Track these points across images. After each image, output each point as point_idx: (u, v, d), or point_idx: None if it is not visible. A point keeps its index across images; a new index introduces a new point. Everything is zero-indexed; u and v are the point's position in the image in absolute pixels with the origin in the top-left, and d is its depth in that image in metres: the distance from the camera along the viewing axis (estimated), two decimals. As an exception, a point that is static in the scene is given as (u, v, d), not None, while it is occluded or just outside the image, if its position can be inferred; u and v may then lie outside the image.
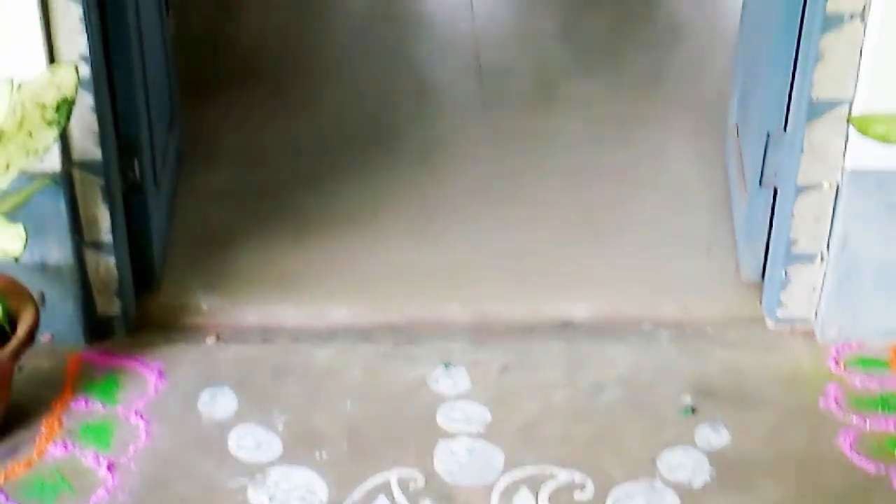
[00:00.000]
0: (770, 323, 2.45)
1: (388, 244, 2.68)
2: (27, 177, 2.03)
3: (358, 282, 2.58)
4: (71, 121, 2.04)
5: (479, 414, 2.20)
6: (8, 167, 1.94)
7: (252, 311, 2.48)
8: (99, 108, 2.18)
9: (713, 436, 2.15)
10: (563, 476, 2.06)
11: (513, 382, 2.29)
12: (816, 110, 2.21)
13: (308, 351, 2.37)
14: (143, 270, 2.47)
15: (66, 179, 2.20)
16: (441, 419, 2.19)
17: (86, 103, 2.14)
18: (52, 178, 2.15)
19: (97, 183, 2.24)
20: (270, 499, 2.01)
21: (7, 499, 1.99)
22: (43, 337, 2.24)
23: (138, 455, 2.10)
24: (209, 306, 2.48)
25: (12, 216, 1.95)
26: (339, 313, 2.49)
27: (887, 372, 2.31)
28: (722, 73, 3.06)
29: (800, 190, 2.30)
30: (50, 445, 2.11)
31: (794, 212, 2.32)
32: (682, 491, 2.03)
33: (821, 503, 2.03)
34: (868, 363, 2.34)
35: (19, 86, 1.96)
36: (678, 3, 3.63)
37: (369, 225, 2.73)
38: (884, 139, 2.12)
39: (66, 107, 1.99)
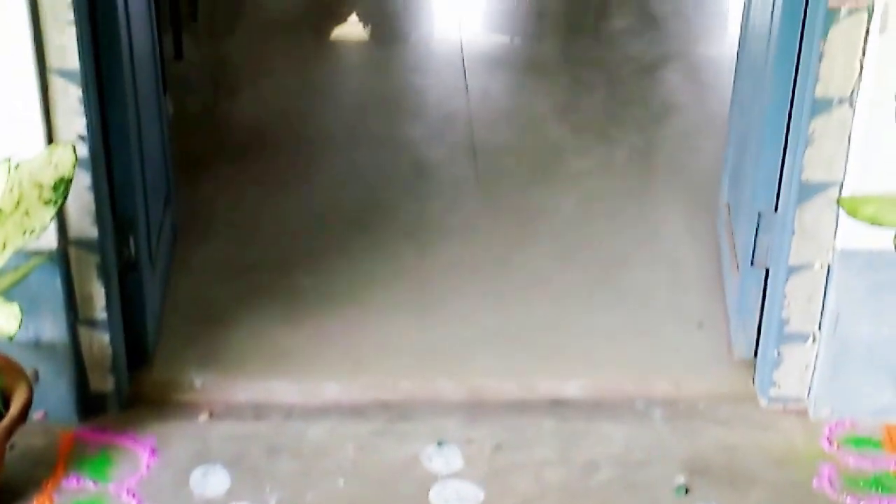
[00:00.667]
0: (763, 401, 2.44)
1: (381, 321, 2.68)
2: (23, 254, 2.03)
3: (351, 358, 2.57)
4: (68, 199, 2.05)
5: (473, 493, 2.19)
6: (4, 246, 1.94)
7: (245, 388, 2.46)
8: (96, 187, 2.19)
9: (707, 516, 2.14)
10: (557, 557, 2.05)
11: (506, 461, 2.27)
12: (807, 192, 2.23)
13: (301, 428, 2.36)
14: (136, 346, 2.46)
15: (62, 257, 2.20)
16: (434, 498, 2.18)
17: (83, 182, 2.14)
18: (49, 255, 2.15)
19: (93, 260, 2.24)
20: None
21: (-3, 579, 1.97)
22: (36, 414, 2.22)
23: (130, 534, 2.08)
24: (202, 383, 2.46)
25: (8, 294, 1.95)
26: (332, 390, 2.48)
27: (880, 452, 2.30)
28: (713, 153, 3.08)
29: (791, 270, 2.30)
30: (41, 525, 2.09)
31: (785, 291, 2.32)
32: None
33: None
34: (861, 442, 2.33)
35: (17, 165, 1.97)
36: (670, 83, 3.66)
37: (363, 301, 2.73)
38: (873, 220, 2.13)
39: (63, 186, 1.99)
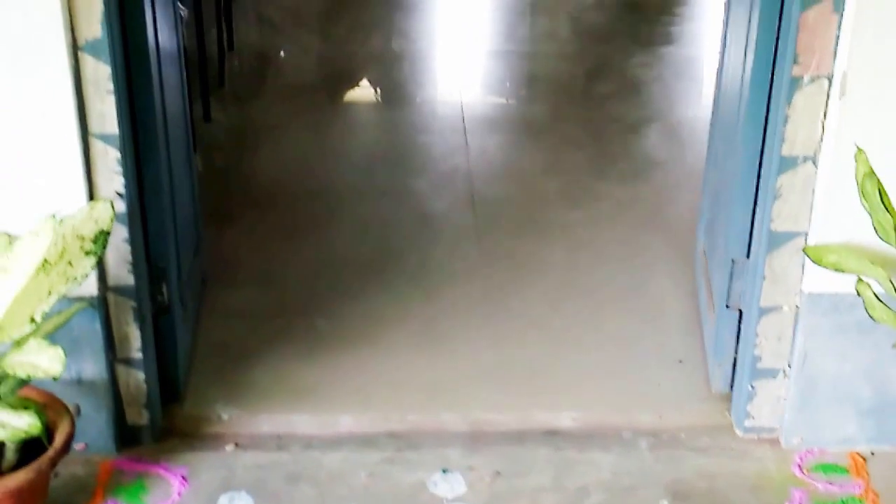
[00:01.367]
0: (739, 432, 2.44)
1: (390, 358, 2.68)
2: (66, 301, 2.03)
3: (363, 393, 2.57)
4: (106, 250, 2.06)
5: (475, 516, 2.19)
6: (49, 293, 1.94)
7: (267, 421, 2.46)
8: (132, 239, 2.20)
9: (688, 537, 2.14)
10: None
11: (505, 487, 2.27)
12: (776, 241, 2.24)
13: (318, 457, 2.35)
14: (168, 383, 2.46)
15: (102, 303, 2.21)
16: (439, 521, 2.18)
17: (120, 235, 2.16)
18: (89, 301, 2.16)
19: (129, 305, 2.25)
20: None
21: None
22: (77, 445, 2.22)
23: (162, 556, 2.08)
24: (228, 416, 2.46)
25: (52, 337, 1.96)
26: (346, 422, 2.47)
27: (847, 477, 2.30)
28: (690, 204, 3.09)
29: (763, 312, 2.31)
30: (81, 547, 2.10)
31: (758, 331, 2.33)
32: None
33: None
34: (829, 469, 2.32)
35: (61, 220, 1.98)
36: (651, 142, 3.69)
37: (374, 341, 2.73)
38: (836, 267, 2.14)
39: (102, 238, 2.00)
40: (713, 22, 2.86)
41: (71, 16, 1.99)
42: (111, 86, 2.05)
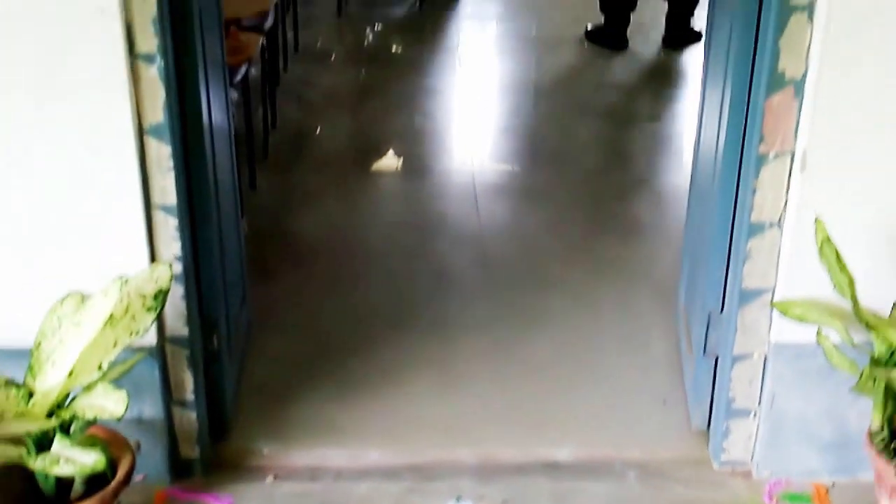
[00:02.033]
0: (715, 465, 2.43)
1: (410, 399, 2.69)
2: (130, 350, 2.05)
3: (387, 430, 2.57)
4: (165, 306, 2.07)
5: (484, 540, 2.18)
6: (115, 344, 1.96)
7: (303, 455, 2.46)
8: (187, 296, 2.22)
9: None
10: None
11: (511, 514, 2.27)
12: (746, 297, 2.24)
13: (348, 487, 2.36)
14: (217, 421, 2.47)
15: (160, 352, 2.22)
16: (453, 544, 2.17)
17: (177, 293, 2.18)
18: (149, 351, 2.18)
19: (184, 354, 2.27)
20: None
21: None
22: (137, 477, 2.22)
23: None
24: (269, 451, 2.47)
25: (117, 382, 1.97)
26: (372, 456, 2.48)
27: (811, 505, 2.29)
28: (673, 263, 3.09)
29: (736, 359, 2.31)
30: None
31: (731, 376, 2.33)
32: None
33: None
34: (795, 498, 2.32)
35: (127, 280, 2.00)
36: (638, 206, 3.69)
37: (396, 384, 2.74)
38: (800, 319, 2.15)
39: (161, 297, 2.02)
40: (692, 102, 2.88)
41: (137, 103, 2.03)
42: (171, 163, 2.09)
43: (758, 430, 2.36)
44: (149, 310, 2.01)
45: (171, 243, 2.15)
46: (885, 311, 2.12)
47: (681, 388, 2.69)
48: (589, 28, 5.38)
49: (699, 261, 2.57)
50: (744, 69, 2.15)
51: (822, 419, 2.30)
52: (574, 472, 2.43)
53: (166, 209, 2.12)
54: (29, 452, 1.93)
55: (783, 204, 2.15)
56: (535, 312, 3.06)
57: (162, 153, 2.07)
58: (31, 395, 1.96)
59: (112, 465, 2.02)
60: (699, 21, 5.10)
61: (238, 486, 2.36)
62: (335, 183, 3.87)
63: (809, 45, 2.00)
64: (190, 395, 2.31)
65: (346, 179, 3.91)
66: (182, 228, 2.15)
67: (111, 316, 1.96)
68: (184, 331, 2.25)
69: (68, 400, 1.96)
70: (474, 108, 4.72)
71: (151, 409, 2.25)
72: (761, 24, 2.07)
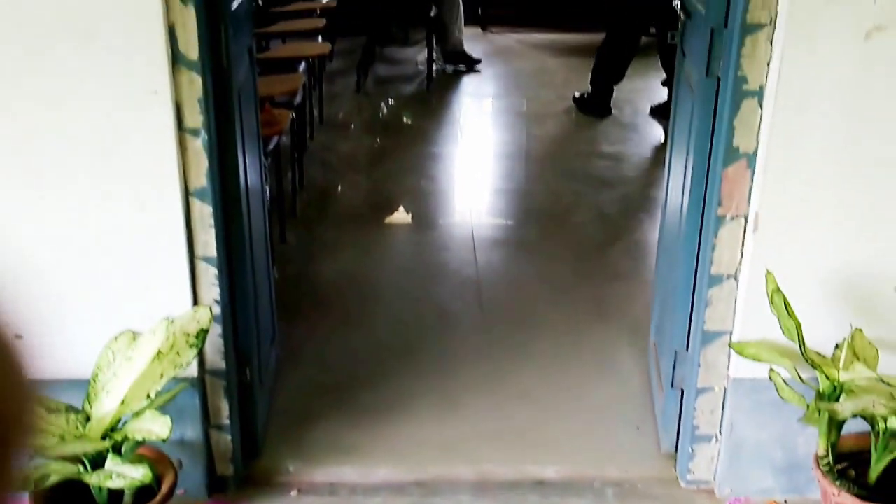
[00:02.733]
0: (682, 483, 2.42)
1: (415, 423, 2.68)
2: (174, 381, 2.06)
3: (396, 450, 2.56)
4: (205, 343, 2.09)
5: (480, 549, 2.16)
6: (162, 376, 1.97)
7: (323, 472, 2.45)
8: (224, 334, 2.23)
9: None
10: None
11: (503, 526, 2.25)
12: (708, 338, 2.25)
13: (362, 501, 2.35)
14: (249, 443, 2.46)
15: (200, 383, 2.23)
16: (453, 553, 2.15)
17: (216, 331, 2.19)
18: (191, 382, 2.18)
19: (221, 384, 2.27)
20: None
21: None
22: (178, 491, 2.21)
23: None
24: (294, 468, 2.46)
25: (162, 409, 1.98)
26: (382, 473, 2.47)
27: (766, 520, 2.28)
28: (645, 306, 3.09)
29: (699, 391, 2.31)
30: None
31: (696, 406, 2.33)
32: None
33: None
34: (752, 514, 2.31)
35: (172, 321, 2.02)
36: (615, 257, 3.70)
37: (403, 409, 2.73)
38: (754, 358, 2.15)
39: (202, 335, 2.04)
40: (664, 167, 2.91)
41: (184, 170, 2.05)
42: (212, 221, 2.11)
43: (719, 453, 2.36)
44: (191, 346, 2.02)
45: (211, 289, 2.16)
46: (828, 351, 2.12)
47: (652, 416, 2.68)
48: (577, 95, 5.40)
49: (667, 306, 2.59)
50: (704, 143, 2.17)
51: (775, 445, 2.30)
52: (560, 489, 2.42)
53: (207, 260, 2.14)
54: (86, 469, 1.93)
55: (738, 259, 2.16)
56: (525, 348, 3.06)
57: (204, 212, 2.09)
58: (88, 419, 1.97)
59: (157, 480, 2.02)
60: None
61: (266, 500, 2.35)
62: (353, 235, 3.89)
63: (759, 124, 2.03)
64: (226, 420, 2.31)
65: (362, 232, 3.93)
66: (221, 276, 2.17)
67: (159, 352, 1.97)
68: (221, 364, 2.25)
69: (120, 424, 1.97)
70: (473, 172, 4.76)
71: (192, 432, 2.25)
72: (718, 106, 2.10)
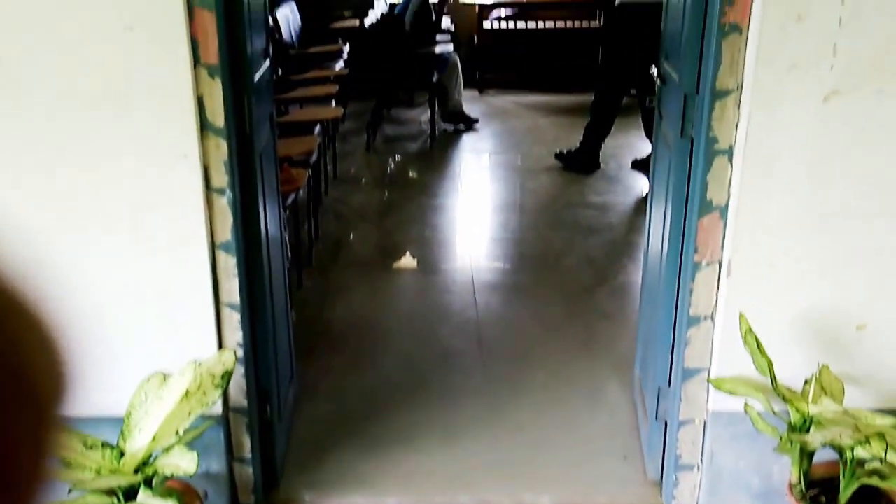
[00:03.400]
0: (667, 509, 2.40)
1: (421, 453, 2.66)
2: (201, 418, 2.05)
3: (403, 479, 2.54)
4: (229, 384, 2.08)
5: (481, 572, 2.13)
6: (189, 414, 1.97)
7: (336, 500, 2.43)
8: (247, 375, 2.22)
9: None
10: None
11: (503, 550, 2.23)
12: (688, 374, 2.24)
13: (372, 527, 2.32)
14: (269, 474, 2.44)
15: (225, 419, 2.22)
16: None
17: (239, 372, 2.18)
18: (216, 419, 2.17)
19: (244, 421, 2.26)
20: None
21: None
22: (204, 519, 2.21)
23: None
24: (310, 497, 2.44)
25: (190, 445, 1.97)
26: (391, 501, 2.44)
27: (745, 543, 2.24)
28: (630, 345, 3.07)
29: (681, 423, 2.29)
30: None
31: (678, 437, 2.31)
32: None
33: None
34: (732, 537, 2.27)
35: (199, 363, 2.02)
36: (601, 299, 3.70)
37: (409, 441, 2.71)
38: (731, 392, 2.14)
39: (227, 376, 2.03)
40: (644, 218, 2.91)
41: (211, 225, 2.06)
42: (236, 271, 2.12)
43: (701, 481, 2.33)
44: (217, 387, 2.01)
45: (235, 333, 2.16)
46: (798, 386, 2.12)
47: (638, 446, 2.66)
48: (560, 152, 5.38)
49: (650, 344, 2.58)
50: (680, 196, 2.19)
51: (752, 473, 2.27)
52: (553, 516, 2.40)
53: (231, 306, 2.14)
54: (119, 501, 1.91)
55: (714, 301, 2.16)
56: (521, 383, 3.05)
57: (229, 263, 2.10)
58: (122, 455, 1.96)
59: (185, 511, 2.00)
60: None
61: (284, 528, 2.32)
62: (364, 280, 3.89)
63: (730, 180, 2.04)
64: (247, 454, 2.29)
65: (372, 277, 3.94)
66: (243, 321, 2.17)
67: (187, 392, 1.97)
68: (244, 403, 2.24)
69: (151, 459, 1.95)
70: (473, 222, 4.77)
71: (217, 464, 2.24)
72: (693, 163, 2.12)
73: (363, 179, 5.31)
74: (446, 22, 6.99)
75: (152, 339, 2.12)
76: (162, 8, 1.85)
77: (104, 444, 1.96)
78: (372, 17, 6.50)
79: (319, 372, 3.12)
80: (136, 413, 2.00)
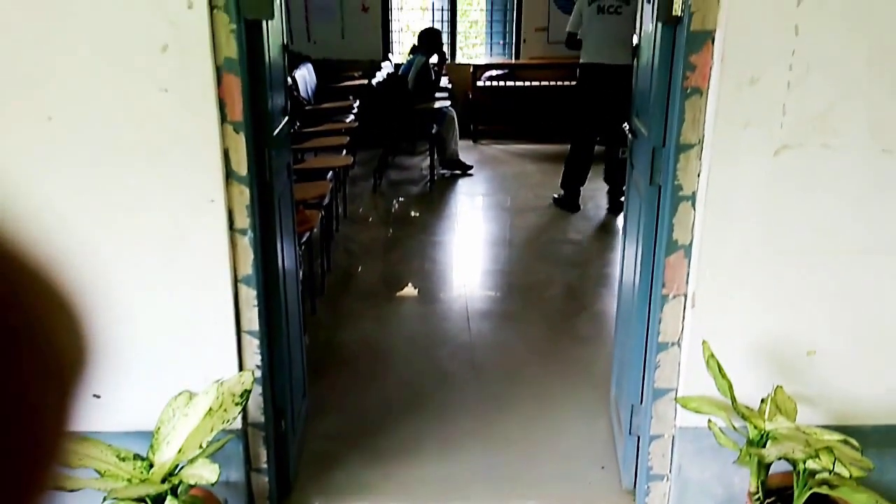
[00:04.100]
0: (640, 515, 2.37)
1: (420, 463, 2.63)
2: (222, 433, 2.03)
3: (403, 487, 2.51)
4: (248, 401, 2.07)
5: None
6: (212, 429, 1.94)
7: (344, 507, 2.41)
8: (264, 394, 2.21)
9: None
10: None
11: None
12: (658, 394, 2.23)
13: (375, 532, 2.29)
14: (284, 483, 2.41)
15: (244, 433, 2.20)
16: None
17: (257, 391, 2.17)
18: (236, 433, 2.15)
19: (261, 434, 2.24)
20: None
21: None
22: (224, 525, 2.18)
23: None
24: (320, 504, 2.41)
25: (212, 457, 1.95)
26: (393, 508, 2.42)
27: (710, 547, 2.21)
28: (607, 366, 3.07)
29: (652, 438, 2.28)
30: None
31: (649, 450, 2.29)
32: None
33: None
34: (698, 541, 2.24)
35: (222, 383, 2.00)
36: (580, 325, 3.69)
37: (409, 452, 2.69)
38: (696, 411, 2.12)
39: (246, 395, 2.02)
40: (617, 253, 2.91)
41: (234, 262, 2.06)
42: (256, 302, 2.11)
43: (670, 489, 2.31)
44: (237, 404, 2.00)
45: (254, 356, 2.15)
46: (755, 405, 2.11)
47: (614, 457, 2.64)
48: (555, 196, 5.49)
49: (624, 366, 2.56)
50: (650, 236, 2.19)
51: (716, 483, 2.25)
52: (538, 521, 2.36)
53: (251, 333, 2.13)
54: (148, 508, 1.89)
55: (680, 329, 2.16)
56: (510, 400, 3.03)
57: (250, 295, 2.10)
58: (151, 466, 1.93)
59: (206, 517, 1.98)
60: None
61: (296, 532, 2.29)
62: (370, 307, 3.88)
63: (693, 222, 2.05)
64: (264, 465, 2.27)
65: (377, 305, 3.93)
66: (262, 346, 2.16)
67: (210, 409, 1.95)
68: (261, 418, 2.23)
69: (177, 469, 1.93)
70: (467, 256, 4.78)
71: (236, 474, 2.22)
72: (660, 208, 2.12)
73: (370, 218, 5.32)
74: (444, 81, 7.05)
75: (180, 362, 2.11)
76: (194, 73, 1.86)
77: (136, 456, 1.93)
78: (379, 77, 6.56)
79: (329, 390, 3.10)
80: (165, 428, 1.98)
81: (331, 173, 4.47)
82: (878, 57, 1.87)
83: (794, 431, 1.97)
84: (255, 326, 2.12)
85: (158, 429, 1.98)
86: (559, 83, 7.36)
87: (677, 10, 1.95)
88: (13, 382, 0.32)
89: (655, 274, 2.18)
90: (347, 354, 3.42)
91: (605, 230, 5.10)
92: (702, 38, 1.89)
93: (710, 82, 1.93)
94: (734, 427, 2.05)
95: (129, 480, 1.89)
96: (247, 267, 2.06)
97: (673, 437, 2.26)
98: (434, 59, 6.31)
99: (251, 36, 1.97)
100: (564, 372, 3.25)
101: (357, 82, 6.87)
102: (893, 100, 1.90)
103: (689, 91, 1.94)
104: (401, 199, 5.79)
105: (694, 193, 2.03)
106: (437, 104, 6.38)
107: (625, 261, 2.65)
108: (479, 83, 7.53)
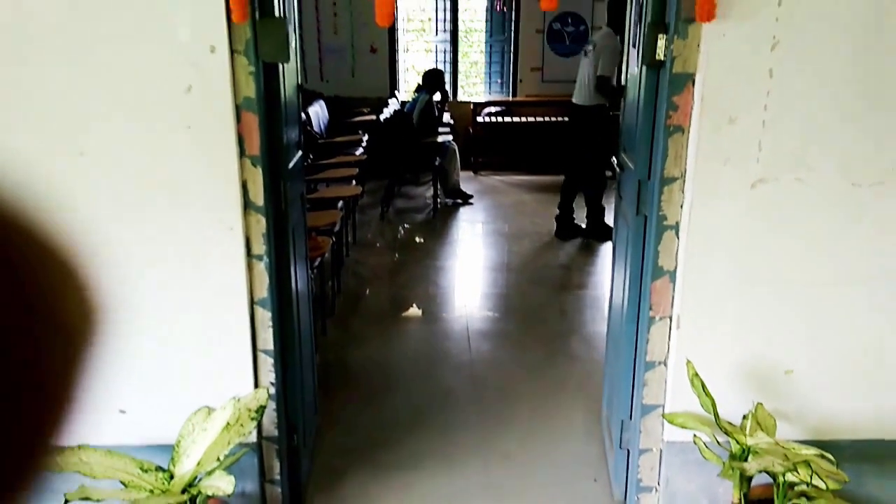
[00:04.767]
0: (630, 525, 2.34)
1: (423, 477, 2.61)
2: (238, 446, 2.03)
3: (408, 498, 2.49)
4: (263, 417, 2.06)
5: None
6: (229, 443, 1.94)
7: (351, 517, 2.39)
8: (278, 409, 2.20)
9: None
10: None
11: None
12: (646, 410, 2.22)
13: (381, 540, 2.27)
14: (296, 494, 2.39)
15: (258, 447, 2.19)
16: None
17: (271, 407, 2.16)
18: (251, 447, 2.15)
19: (274, 448, 2.23)
20: None
21: None
22: (239, 533, 2.16)
23: None
24: (329, 514, 2.39)
25: (229, 469, 1.94)
26: (398, 517, 2.40)
27: (696, 555, 2.18)
28: (598, 384, 3.07)
29: (641, 452, 2.26)
30: None
31: (639, 463, 2.28)
32: None
33: None
34: (685, 550, 2.21)
35: (238, 399, 2.00)
36: (574, 345, 3.68)
37: (413, 465, 2.67)
38: (682, 426, 2.12)
39: (261, 410, 2.01)
40: (608, 277, 2.91)
41: (251, 286, 2.07)
42: (270, 323, 2.11)
43: (659, 501, 2.29)
44: (252, 419, 1.99)
45: (269, 374, 2.15)
46: (737, 421, 2.10)
47: (606, 470, 2.62)
48: (581, 226, 5.44)
49: (614, 384, 2.55)
50: (637, 263, 2.20)
51: (701, 494, 2.24)
52: (534, 531, 2.34)
53: (266, 352, 2.13)
54: (169, 518, 1.87)
55: (666, 350, 2.16)
56: (507, 416, 3.01)
57: (265, 317, 2.10)
58: (171, 477, 1.93)
59: (223, 526, 1.96)
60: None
61: (307, 540, 2.26)
62: (377, 328, 3.87)
63: (677, 250, 2.06)
64: (277, 476, 2.26)
65: (384, 325, 3.92)
66: (276, 365, 2.15)
67: (227, 424, 1.95)
68: (275, 432, 2.22)
69: (196, 481, 1.92)
70: (468, 280, 4.77)
71: (251, 485, 2.20)
72: (646, 236, 2.14)
73: (378, 244, 5.33)
74: (447, 117, 7.11)
75: (199, 379, 2.11)
76: (215, 112, 1.89)
77: (157, 468, 1.93)
78: (386, 113, 6.62)
79: (338, 406, 3.08)
80: (185, 441, 1.97)
81: (341, 202, 4.49)
82: (847, 98, 1.89)
83: (774, 446, 1.96)
84: (270, 346, 2.12)
85: (179, 442, 1.98)
86: (553, 119, 7.43)
87: (661, 54, 1.98)
88: (28, 350, 0.33)
89: (643, 297, 2.18)
90: (356, 372, 3.40)
91: (595, 256, 5.10)
92: (683, 80, 1.92)
93: (691, 121, 1.95)
94: (718, 442, 2.04)
95: (151, 491, 1.88)
96: (262, 290, 2.07)
97: (661, 451, 2.24)
98: (437, 96, 6.37)
99: (268, 77, 2.00)
100: (559, 389, 3.24)
101: (366, 118, 6.93)
102: (861, 137, 1.92)
103: (671, 129, 1.97)
104: (406, 226, 5.81)
105: (677, 223, 2.04)
106: (440, 138, 6.43)
107: (614, 285, 2.65)
108: (479, 119, 7.59)
